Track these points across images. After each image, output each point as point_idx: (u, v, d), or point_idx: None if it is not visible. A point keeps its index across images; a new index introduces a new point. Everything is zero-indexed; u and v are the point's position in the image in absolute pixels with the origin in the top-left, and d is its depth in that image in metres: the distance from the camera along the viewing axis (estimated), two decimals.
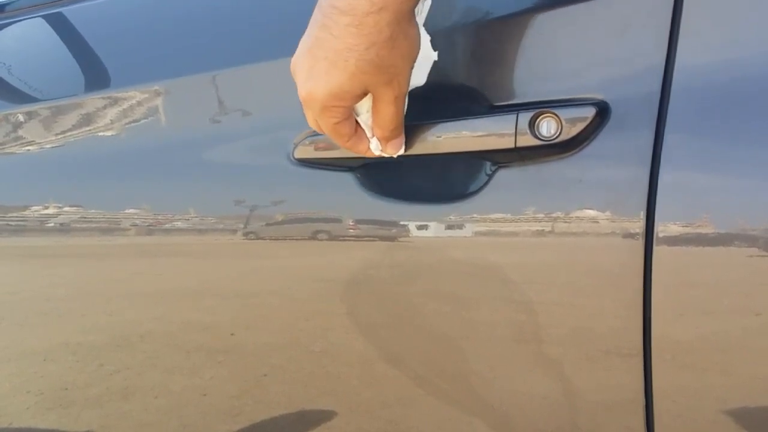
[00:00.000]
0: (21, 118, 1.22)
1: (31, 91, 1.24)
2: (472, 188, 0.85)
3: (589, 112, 0.77)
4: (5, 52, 1.31)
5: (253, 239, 1.01)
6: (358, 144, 0.85)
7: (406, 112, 0.84)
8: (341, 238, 0.95)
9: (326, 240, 0.93)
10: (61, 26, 1.25)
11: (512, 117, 0.81)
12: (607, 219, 0.78)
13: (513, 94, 0.84)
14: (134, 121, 1.10)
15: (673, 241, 0.75)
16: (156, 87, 1.09)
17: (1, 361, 1.29)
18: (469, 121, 0.85)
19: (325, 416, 1.03)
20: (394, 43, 0.76)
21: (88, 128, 1.14)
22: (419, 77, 0.83)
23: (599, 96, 0.78)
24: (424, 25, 0.82)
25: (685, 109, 0.74)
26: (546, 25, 0.83)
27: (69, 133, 1.16)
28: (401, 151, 0.86)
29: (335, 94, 0.79)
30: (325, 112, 0.81)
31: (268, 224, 1.00)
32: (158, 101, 1.10)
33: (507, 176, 0.83)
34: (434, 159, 0.88)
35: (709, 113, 0.73)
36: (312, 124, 0.84)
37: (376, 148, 0.85)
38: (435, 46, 0.82)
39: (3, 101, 1.26)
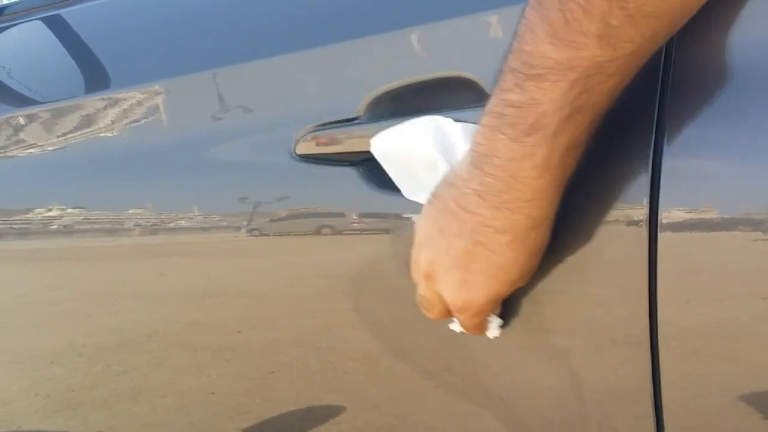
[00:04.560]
0: (22, 121, 1.22)
1: (31, 93, 1.25)
2: None
3: None
4: (5, 55, 1.31)
5: (257, 236, 1.01)
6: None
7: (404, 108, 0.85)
8: (345, 234, 0.95)
9: (330, 235, 0.93)
10: (60, 28, 1.25)
11: None
12: (610, 207, 0.77)
13: None
14: (135, 121, 1.10)
15: (677, 227, 0.74)
16: (156, 87, 1.09)
17: (8, 364, 1.30)
18: (470, 112, 0.85)
19: (332, 412, 1.03)
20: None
21: (89, 129, 1.14)
22: None
23: None
24: None
25: (686, 95, 0.74)
26: None
27: (70, 135, 1.16)
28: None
29: (493, 301, 0.80)
30: (479, 315, 0.82)
31: (271, 221, 1.00)
32: (159, 101, 1.09)
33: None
34: None
35: (710, 98, 0.73)
36: (468, 329, 0.85)
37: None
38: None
39: (3, 104, 1.26)
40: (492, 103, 0.70)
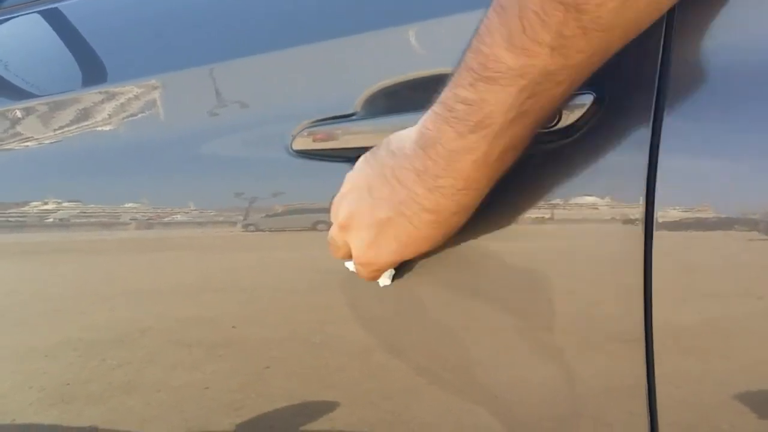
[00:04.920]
0: (19, 114, 1.22)
1: (28, 87, 1.25)
2: None
3: (587, 99, 0.77)
4: (2, 48, 1.31)
5: (253, 232, 1.01)
6: None
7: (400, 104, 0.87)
8: None
9: (326, 231, 0.93)
10: (58, 22, 1.25)
11: None
12: (607, 205, 0.78)
13: None
14: (132, 115, 1.10)
15: (673, 226, 0.75)
16: (153, 81, 1.09)
17: (2, 358, 1.29)
18: None
19: (327, 408, 1.03)
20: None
21: (86, 123, 1.13)
22: None
23: (597, 82, 0.78)
24: None
25: (683, 94, 0.74)
26: None
27: (67, 129, 1.16)
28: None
29: (394, 264, 0.87)
30: (378, 272, 0.89)
31: (267, 216, 1.00)
32: (156, 95, 1.09)
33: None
34: None
35: (707, 97, 0.73)
36: (363, 278, 0.90)
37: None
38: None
39: (0, 97, 1.26)
40: (445, 94, 0.74)
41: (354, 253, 0.86)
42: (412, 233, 0.80)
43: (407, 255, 0.85)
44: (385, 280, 0.90)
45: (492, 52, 0.68)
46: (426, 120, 0.76)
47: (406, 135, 0.79)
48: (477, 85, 0.69)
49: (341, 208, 0.85)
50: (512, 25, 0.66)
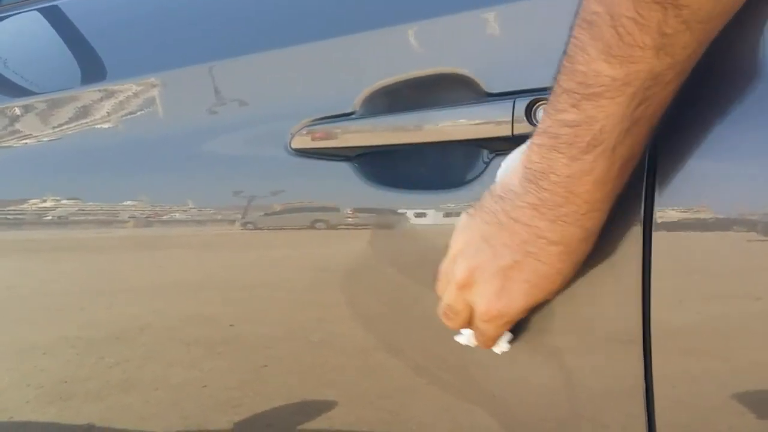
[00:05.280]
0: (18, 111, 1.22)
1: (27, 84, 1.25)
2: (470, 176, 0.85)
3: None
4: (1, 45, 1.31)
5: (252, 230, 1.01)
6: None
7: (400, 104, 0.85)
8: (339, 228, 0.95)
9: (324, 229, 0.93)
10: (57, 19, 1.25)
11: (509, 104, 0.81)
12: None
13: (509, 80, 0.83)
14: (131, 113, 1.10)
15: (672, 226, 0.74)
16: (152, 79, 1.09)
17: (0, 355, 1.29)
18: (466, 108, 0.85)
19: (325, 407, 1.03)
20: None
21: (84, 121, 1.13)
22: None
23: None
24: None
25: (681, 94, 0.74)
26: (542, 11, 0.83)
27: (66, 126, 1.16)
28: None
29: (527, 310, 0.81)
30: (508, 325, 0.83)
31: (266, 215, 1.00)
32: (155, 93, 1.09)
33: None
34: (431, 147, 0.88)
35: (707, 97, 0.73)
36: (484, 339, 0.85)
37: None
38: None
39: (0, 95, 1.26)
40: (546, 123, 0.70)
41: (481, 310, 0.80)
42: (542, 271, 0.76)
43: (540, 296, 0.79)
44: (503, 345, 0.85)
45: (590, 68, 0.66)
46: (529, 155, 0.73)
47: (509, 177, 0.76)
48: (580, 105, 0.67)
49: (457, 269, 0.80)
50: (607, 37, 0.64)
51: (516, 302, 0.79)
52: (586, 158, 0.68)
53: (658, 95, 0.67)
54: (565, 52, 0.68)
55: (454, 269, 0.81)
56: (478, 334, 0.84)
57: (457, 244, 0.81)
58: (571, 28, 0.68)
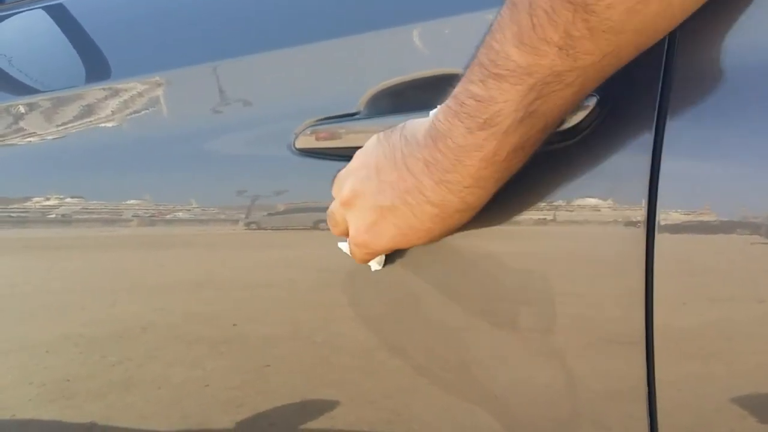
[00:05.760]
0: (22, 109, 1.22)
1: (32, 82, 1.25)
2: None
3: (591, 101, 0.77)
4: (6, 43, 1.31)
5: (255, 230, 1.01)
6: None
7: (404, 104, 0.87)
8: None
9: (328, 230, 0.93)
10: (62, 18, 1.25)
11: None
12: (609, 207, 0.78)
13: None
14: (135, 112, 1.10)
15: (674, 229, 0.74)
16: (157, 78, 1.09)
17: (3, 353, 1.29)
18: None
19: (327, 406, 1.03)
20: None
21: (89, 119, 1.14)
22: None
23: (601, 84, 0.78)
24: None
25: (686, 97, 0.74)
26: None
27: (70, 125, 1.16)
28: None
29: (389, 250, 0.88)
30: (372, 255, 0.88)
31: (269, 214, 1.00)
32: (159, 92, 1.10)
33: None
34: None
35: (711, 100, 0.73)
36: (356, 258, 0.90)
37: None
38: None
39: (4, 93, 1.26)
40: (458, 89, 0.73)
41: (351, 233, 0.86)
42: (412, 224, 0.80)
43: (404, 244, 0.85)
44: (375, 264, 0.90)
45: (502, 48, 0.68)
46: (439, 112, 0.76)
47: (420, 123, 0.79)
48: (487, 81, 0.69)
49: (346, 184, 0.85)
50: (523, 22, 0.66)
51: (381, 240, 0.84)
52: (480, 134, 0.71)
53: (558, 94, 0.68)
54: (489, 26, 0.70)
55: (343, 184, 0.86)
56: (350, 248, 0.89)
57: (355, 160, 0.85)
58: (502, 5, 0.69)
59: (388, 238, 0.83)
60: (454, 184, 0.75)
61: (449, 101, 0.74)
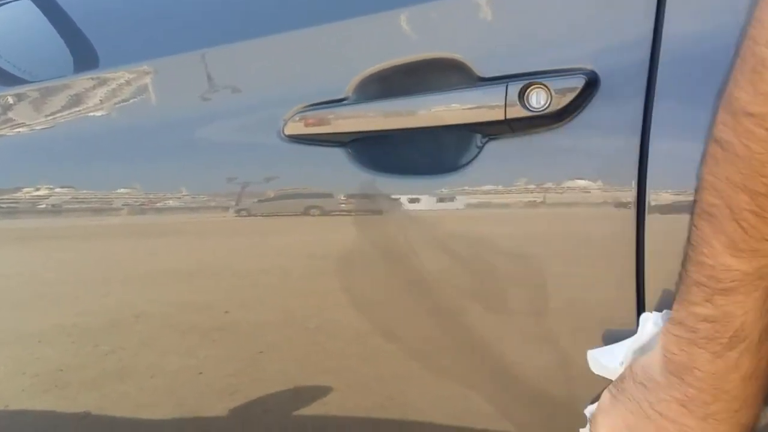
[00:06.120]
0: (10, 100, 1.22)
1: (20, 73, 1.24)
2: (463, 160, 0.85)
3: (579, 83, 0.77)
4: None
5: (246, 217, 1.00)
6: None
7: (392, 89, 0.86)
8: (333, 214, 0.95)
9: (318, 216, 0.93)
10: (49, 7, 1.24)
11: (501, 88, 0.81)
12: (599, 189, 0.78)
13: (502, 65, 0.83)
14: (124, 100, 1.10)
15: (665, 209, 0.75)
16: (145, 66, 1.09)
17: None
18: (458, 93, 0.85)
19: (321, 393, 1.03)
20: None
21: (78, 109, 1.13)
22: None
23: (588, 66, 0.78)
24: None
25: (674, 78, 0.74)
26: None
27: (59, 114, 1.15)
28: None
29: None
30: None
31: (260, 201, 1.00)
32: (147, 80, 1.09)
33: (497, 148, 0.83)
34: (424, 132, 0.88)
35: (699, 81, 0.73)
36: None
37: None
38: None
39: None
40: (681, 315, 0.68)
41: None
42: None
43: None
44: None
45: (718, 262, 0.63)
46: (667, 344, 0.69)
47: (650, 363, 0.72)
48: (714, 300, 0.64)
49: None
50: (730, 231, 0.62)
51: None
52: (731, 355, 0.65)
53: None
54: (688, 240, 0.66)
55: None
56: None
57: (603, 428, 0.77)
58: (692, 216, 0.65)
59: None
60: (721, 414, 0.68)
61: (674, 329, 0.68)
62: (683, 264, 0.67)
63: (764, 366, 0.66)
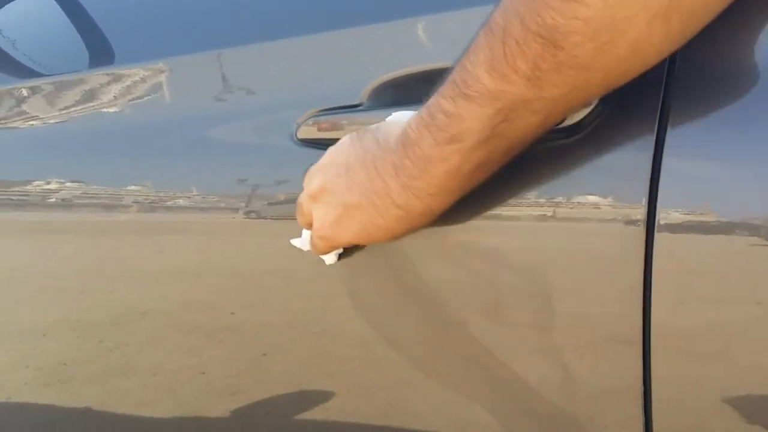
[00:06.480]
0: (25, 92, 1.22)
1: (35, 65, 1.25)
2: None
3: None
4: (10, 26, 1.31)
5: (255, 218, 1.01)
6: None
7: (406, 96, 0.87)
8: None
9: None
10: (66, 2, 1.25)
11: None
12: (609, 205, 0.78)
13: None
14: (138, 98, 1.10)
15: (674, 228, 0.74)
16: (160, 64, 1.09)
17: (0, 336, 1.30)
18: None
19: (323, 397, 1.03)
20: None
21: (91, 104, 1.14)
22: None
23: None
24: None
25: (689, 96, 0.74)
26: None
27: (72, 109, 1.16)
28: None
29: (348, 244, 0.90)
30: (333, 248, 0.91)
31: (270, 204, 1.00)
32: (162, 79, 1.10)
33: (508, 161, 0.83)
34: None
35: (712, 100, 0.73)
36: (316, 251, 0.93)
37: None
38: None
39: (7, 75, 1.26)
40: (431, 101, 0.75)
41: (315, 225, 0.88)
42: (377, 223, 0.82)
43: (366, 241, 0.88)
44: (331, 258, 0.93)
45: (474, 70, 0.70)
46: (412, 120, 0.78)
47: (393, 128, 0.81)
48: (457, 99, 0.71)
49: (315, 179, 0.87)
50: (495, 49, 0.68)
51: (345, 235, 0.86)
52: (446, 148, 0.74)
53: (523, 119, 0.70)
54: (467, 45, 0.72)
55: (313, 178, 0.88)
56: (311, 240, 0.91)
57: (327, 156, 0.88)
58: (480, 27, 0.71)
59: (351, 234, 0.86)
60: (419, 190, 0.78)
61: (422, 111, 0.76)
62: (453, 62, 0.74)
63: (465, 171, 0.75)
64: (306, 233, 0.92)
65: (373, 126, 0.84)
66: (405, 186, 0.78)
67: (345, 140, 0.86)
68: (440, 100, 0.73)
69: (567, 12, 0.63)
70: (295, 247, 0.93)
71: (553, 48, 0.64)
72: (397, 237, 0.84)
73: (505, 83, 0.68)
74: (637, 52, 0.65)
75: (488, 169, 0.76)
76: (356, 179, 0.83)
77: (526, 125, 0.71)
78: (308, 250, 0.93)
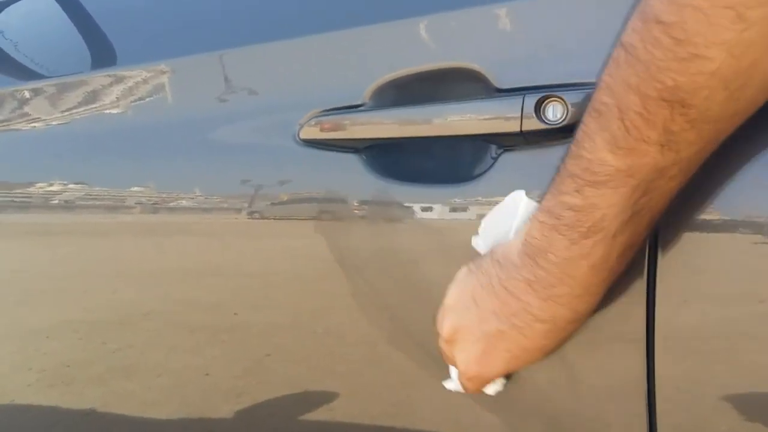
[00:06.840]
0: (27, 94, 1.22)
1: (37, 67, 1.25)
2: (478, 171, 0.85)
3: None
4: (12, 28, 1.31)
5: (258, 219, 1.01)
6: None
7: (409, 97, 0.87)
8: (346, 219, 0.95)
9: (331, 221, 0.93)
10: (69, 3, 1.25)
11: (518, 100, 0.81)
12: None
13: (519, 77, 0.83)
14: (140, 99, 1.10)
15: (677, 227, 0.74)
16: (162, 66, 1.09)
17: (3, 337, 1.30)
18: (475, 103, 0.85)
19: (327, 397, 1.03)
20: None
21: (93, 106, 1.14)
22: None
23: None
24: None
25: None
26: (553, 7, 0.83)
27: (74, 111, 1.16)
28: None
29: (500, 375, 0.85)
30: (484, 385, 0.86)
31: (272, 204, 1.00)
32: (164, 80, 1.09)
33: (512, 160, 0.83)
34: (440, 141, 0.88)
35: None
36: (468, 391, 0.88)
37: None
38: None
39: (9, 77, 1.26)
40: (549, 203, 0.72)
41: (460, 368, 0.84)
42: (524, 345, 0.78)
43: (518, 367, 0.83)
44: (493, 388, 0.87)
45: (596, 156, 0.67)
46: (531, 229, 0.74)
47: (511, 245, 0.78)
48: (584, 190, 0.68)
49: (445, 323, 0.84)
50: (614, 128, 0.65)
51: (494, 368, 0.82)
52: (585, 243, 0.70)
53: (662, 188, 0.68)
54: (574, 137, 0.69)
55: (443, 322, 0.84)
56: (461, 382, 0.87)
57: (449, 297, 0.84)
58: (583, 115, 0.68)
59: (500, 365, 0.82)
60: (562, 297, 0.74)
61: (540, 216, 0.73)
62: (563, 159, 0.70)
63: (612, 260, 0.71)
64: (455, 372, 0.88)
65: (483, 252, 0.82)
66: (545, 297, 0.74)
67: (462, 273, 0.83)
68: (561, 198, 0.70)
69: (690, 69, 0.60)
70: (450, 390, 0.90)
71: (683, 108, 0.62)
72: (548, 353, 0.80)
73: (637, 157, 0.65)
74: (763, 88, 0.63)
75: (632, 251, 0.73)
76: (488, 308, 0.79)
77: (666, 192, 0.68)
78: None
